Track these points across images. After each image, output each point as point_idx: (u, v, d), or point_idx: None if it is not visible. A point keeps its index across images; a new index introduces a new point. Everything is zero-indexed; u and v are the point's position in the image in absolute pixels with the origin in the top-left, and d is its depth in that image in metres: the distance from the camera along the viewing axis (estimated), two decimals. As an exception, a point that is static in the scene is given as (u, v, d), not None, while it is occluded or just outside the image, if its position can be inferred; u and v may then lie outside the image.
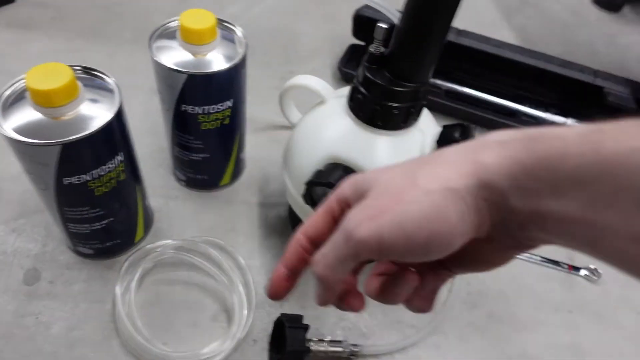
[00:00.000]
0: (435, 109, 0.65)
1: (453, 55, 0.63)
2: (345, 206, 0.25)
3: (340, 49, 0.73)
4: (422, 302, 0.27)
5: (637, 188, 0.18)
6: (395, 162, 0.25)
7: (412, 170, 0.23)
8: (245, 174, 0.57)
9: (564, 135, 0.20)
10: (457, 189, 0.21)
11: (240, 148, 0.52)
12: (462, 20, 0.84)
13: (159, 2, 0.78)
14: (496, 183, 0.20)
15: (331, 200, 0.26)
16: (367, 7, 0.64)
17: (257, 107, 0.62)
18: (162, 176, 0.55)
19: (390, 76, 0.36)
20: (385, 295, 0.26)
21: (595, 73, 0.60)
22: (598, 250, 0.20)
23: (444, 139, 0.38)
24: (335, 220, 0.26)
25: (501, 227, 0.22)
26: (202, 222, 0.51)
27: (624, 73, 0.81)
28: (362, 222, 0.22)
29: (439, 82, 0.66)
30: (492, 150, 0.21)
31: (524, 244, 0.23)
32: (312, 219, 0.27)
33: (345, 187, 0.26)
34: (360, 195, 0.24)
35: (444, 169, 0.22)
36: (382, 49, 0.36)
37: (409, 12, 0.33)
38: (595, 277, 0.51)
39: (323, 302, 0.27)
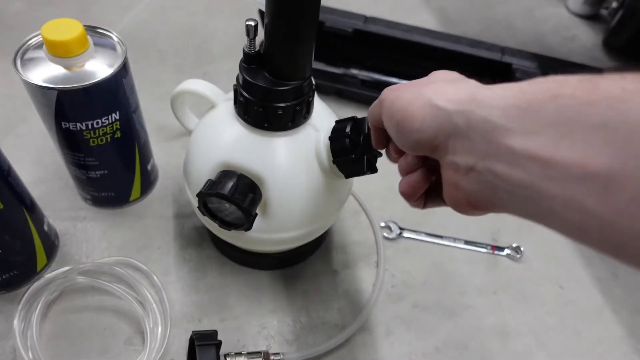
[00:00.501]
0: (353, 99, 0.65)
1: (364, 43, 0.62)
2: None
3: (255, 45, 0.71)
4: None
5: (620, 124, 0.18)
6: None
7: (441, 79, 0.27)
8: (157, 185, 0.54)
9: (565, 79, 0.21)
10: (436, 105, 0.24)
11: (145, 159, 0.50)
12: (381, 6, 0.84)
13: (59, 12, 0.74)
14: (470, 115, 0.23)
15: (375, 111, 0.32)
16: None
17: (168, 114, 0.60)
18: (68, 197, 0.52)
19: (269, 76, 0.35)
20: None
21: (503, 50, 0.61)
22: (538, 199, 0.20)
23: (336, 135, 0.37)
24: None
25: (452, 159, 0.24)
26: (112, 241, 0.49)
27: (541, 46, 0.83)
28: (387, 89, 0.29)
29: (354, 71, 0.65)
30: (491, 90, 0.23)
31: (467, 198, 0.25)
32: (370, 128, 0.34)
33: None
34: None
35: (449, 90, 0.25)
36: (257, 47, 0.35)
37: (270, 6, 0.31)
38: (518, 256, 0.52)
39: (373, 144, 0.34)
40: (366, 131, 0.38)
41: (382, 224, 0.53)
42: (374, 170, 0.38)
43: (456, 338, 0.46)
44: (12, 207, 0.39)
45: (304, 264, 0.49)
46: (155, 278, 0.45)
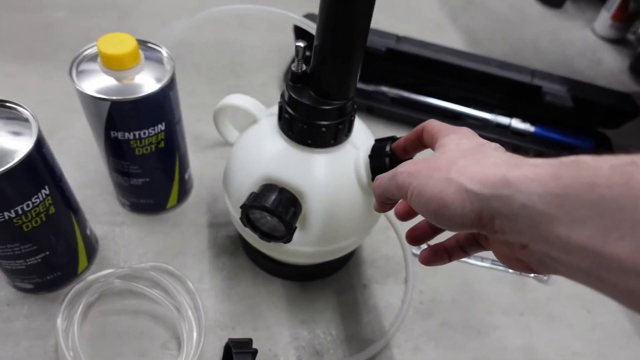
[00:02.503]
0: (383, 116, 0.66)
1: (396, 61, 0.63)
2: (425, 133, 0.34)
3: (286, 59, 0.73)
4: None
5: None
6: (470, 135, 0.30)
7: (461, 155, 0.27)
8: (192, 194, 0.56)
9: (597, 165, 0.21)
10: (471, 190, 0.24)
11: (183, 169, 0.51)
12: (408, 23, 0.86)
13: (98, 21, 0.77)
14: (510, 201, 0.23)
15: (423, 125, 0.34)
16: (307, 16, 0.64)
17: (204, 125, 0.62)
18: (108, 202, 0.54)
19: (314, 94, 0.36)
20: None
21: (533, 73, 0.62)
22: (599, 282, 0.21)
23: (375, 153, 0.38)
24: (419, 138, 0.35)
25: (503, 238, 0.24)
26: (149, 247, 0.50)
27: (567, 69, 0.84)
28: (403, 172, 0.29)
29: (384, 89, 0.66)
30: (521, 170, 0.23)
31: (524, 263, 0.25)
32: (408, 135, 0.36)
33: (434, 125, 0.33)
34: (432, 141, 0.32)
35: (476, 170, 0.25)
36: (304, 67, 0.36)
37: (321, 29, 0.33)
38: (545, 278, 0.52)
39: (375, 209, 0.35)
40: (405, 150, 0.39)
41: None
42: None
43: (483, 358, 0.46)
44: (61, 211, 0.41)
45: (334, 276, 0.50)
46: (190, 284, 0.47)
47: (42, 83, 0.66)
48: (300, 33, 0.67)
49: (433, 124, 0.33)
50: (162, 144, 0.45)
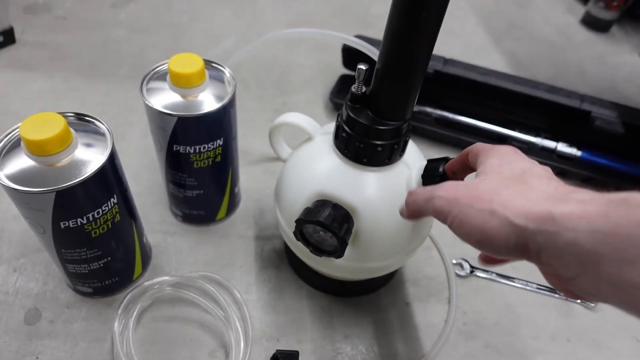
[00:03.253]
0: (427, 136, 0.67)
1: (441, 83, 0.64)
2: (470, 156, 0.33)
3: (332, 79, 0.75)
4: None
5: None
6: (512, 159, 0.30)
7: (504, 185, 0.27)
8: (240, 207, 0.58)
9: None
10: (516, 224, 0.24)
11: (234, 182, 0.53)
12: (452, 45, 0.87)
13: (154, 39, 0.81)
14: (556, 237, 0.23)
15: (469, 148, 0.34)
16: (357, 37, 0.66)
17: (251, 140, 0.64)
18: (160, 212, 0.56)
19: (372, 115, 0.37)
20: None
21: (582, 98, 0.61)
22: None
23: (428, 173, 0.39)
24: (465, 162, 0.35)
25: (548, 270, 0.25)
26: (199, 257, 0.52)
27: (614, 93, 0.82)
28: (442, 197, 0.28)
29: (429, 109, 0.67)
30: (567, 207, 0.23)
31: (572, 291, 0.25)
32: (455, 158, 0.36)
33: (478, 147, 0.33)
34: (475, 163, 0.32)
35: (520, 203, 0.25)
36: (364, 89, 0.37)
37: (385, 53, 0.34)
38: (592, 304, 0.51)
39: (400, 213, 0.35)
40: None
41: (454, 261, 0.54)
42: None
43: (529, 383, 0.45)
44: (125, 219, 0.43)
45: (377, 293, 0.51)
46: (238, 295, 0.48)
47: (103, 97, 0.70)
48: (348, 54, 0.69)
49: (478, 147, 0.33)
50: (218, 158, 0.47)
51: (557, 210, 0.23)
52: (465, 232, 0.27)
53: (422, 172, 0.39)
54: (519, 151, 0.31)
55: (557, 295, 0.52)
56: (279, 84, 0.76)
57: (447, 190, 0.29)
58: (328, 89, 0.74)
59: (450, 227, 0.28)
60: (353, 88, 0.38)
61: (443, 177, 0.38)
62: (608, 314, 0.51)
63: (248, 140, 0.64)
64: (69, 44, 0.78)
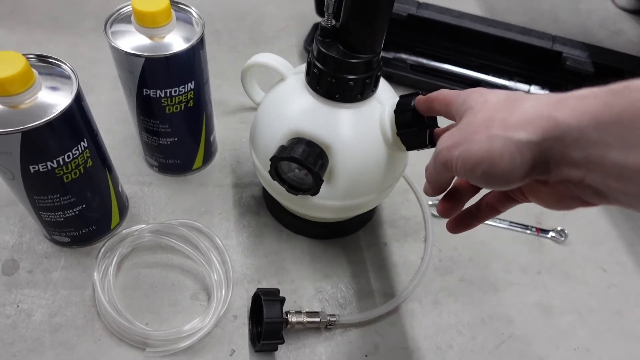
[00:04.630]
0: (402, 83, 0.66)
1: (415, 28, 0.64)
2: (437, 103, 0.34)
3: (305, 28, 0.73)
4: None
5: None
6: (490, 90, 0.29)
7: (495, 110, 0.26)
8: (217, 156, 0.57)
9: None
10: (519, 140, 0.23)
11: (209, 130, 0.53)
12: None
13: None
14: (562, 138, 0.22)
15: (432, 97, 0.35)
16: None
17: (225, 90, 0.63)
18: (135, 163, 0.56)
19: (343, 49, 0.37)
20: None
21: (554, 39, 0.62)
22: None
23: (400, 108, 0.39)
24: (429, 110, 0.35)
25: (558, 177, 0.24)
26: (177, 205, 0.52)
27: (587, 39, 0.83)
28: (443, 149, 0.28)
29: (403, 55, 0.67)
30: (567, 107, 0.22)
31: (581, 199, 0.25)
32: (420, 101, 0.36)
33: (445, 93, 0.33)
34: (460, 112, 0.30)
35: (517, 117, 0.24)
36: (333, 22, 0.37)
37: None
38: (562, 238, 0.53)
39: (426, 192, 0.34)
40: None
41: (430, 202, 0.55)
42: (434, 144, 0.39)
43: (501, 312, 0.48)
44: (97, 166, 0.42)
45: (356, 235, 0.52)
46: (218, 240, 0.48)
47: (69, 50, 0.67)
48: (321, 1, 0.67)
49: (444, 93, 0.33)
50: (191, 103, 0.46)
51: (558, 113, 0.22)
52: (470, 167, 0.25)
53: (394, 108, 0.40)
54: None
55: (528, 232, 0.54)
56: (251, 35, 0.74)
57: (444, 141, 0.28)
58: (302, 37, 0.73)
59: (457, 170, 0.27)
60: (322, 21, 0.37)
61: (414, 112, 0.38)
62: (577, 247, 0.53)
63: (222, 90, 0.63)
64: (29, -3, 0.75)
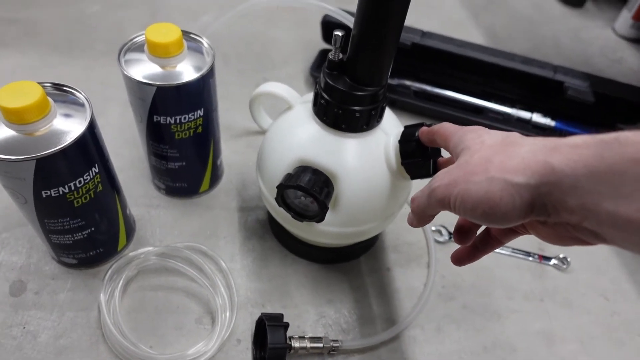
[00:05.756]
0: (406, 109, 0.68)
1: (420, 56, 0.65)
2: (438, 137, 0.35)
3: (312, 54, 0.75)
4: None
5: None
6: (486, 131, 0.30)
7: (493, 152, 0.27)
8: (223, 180, 0.58)
9: (637, 141, 0.22)
10: (517, 183, 0.25)
11: (216, 155, 0.54)
12: (431, 20, 0.87)
13: (131, 14, 0.80)
14: (558, 185, 0.23)
15: (435, 130, 0.35)
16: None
17: (232, 114, 0.64)
18: (143, 185, 0.57)
19: (349, 81, 0.38)
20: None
21: (555, 68, 0.63)
22: None
23: (405, 138, 0.40)
24: (431, 142, 0.36)
25: (556, 220, 0.25)
26: (183, 228, 0.53)
27: (588, 67, 0.84)
28: (440, 186, 0.29)
29: (407, 82, 0.68)
30: (562, 154, 0.24)
31: (579, 239, 0.26)
32: (423, 133, 0.37)
33: (446, 127, 0.34)
34: (457, 150, 0.31)
35: (515, 162, 0.25)
36: (340, 55, 0.38)
37: (359, 20, 0.35)
38: (564, 266, 0.54)
39: (411, 224, 0.35)
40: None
41: (433, 228, 0.55)
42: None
43: (503, 340, 0.48)
44: (107, 190, 0.43)
45: (359, 260, 0.52)
46: (223, 264, 0.49)
47: (80, 74, 0.69)
48: (327, 28, 0.69)
49: (445, 128, 0.34)
50: (199, 129, 0.47)
51: (554, 160, 0.23)
52: (470, 207, 0.26)
53: (399, 137, 0.40)
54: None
55: (531, 259, 0.54)
56: (259, 59, 0.76)
57: (441, 178, 0.29)
58: (308, 63, 0.74)
59: (455, 209, 0.28)
60: (330, 55, 0.38)
61: (418, 142, 0.39)
62: (579, 275, 0.54)
63: (230, 114, 0.64)
64: (43, 20, 0.77)
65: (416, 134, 0.39)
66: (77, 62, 0.70)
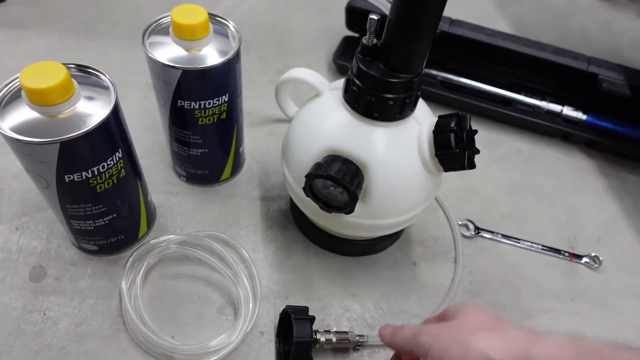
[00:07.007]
0: (431, 99, 0.66)
1: (447, 45, 0.63)
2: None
3: (334, 41, 0.73)
4: None
5: None
6: (482, 309, 0.31)
7: (483, 325, 0.29)
8: (245, 168, 0.57)
9: (612, 350, 0.24)
10: (493, 359, 0.26)
11: (239, 142, 0.52)
12: (456, 9, 0.84)
13: (153, -1, 0.78)
14: None
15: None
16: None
17: (253, 102, 0.63)
18: (163, 172, 0.56)
19: (383, 67, 0.36)
20: None
21: (589, 60, 0.61)
22: None
23: (440, 129, 0.38)
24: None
25: None
26: (204, 216, 0.52)
27: (618, 59, 0.81)
28: (429, 333, 0.30)
29: (434, 72, 0.66)
30: (544, 347, 0.25)
31: None
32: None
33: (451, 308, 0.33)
34: (454, 313, 0.32)
35: (498, 340, 0.27)
36: (375, 41, 0.36)
37: (398, 2, 0.33)
38: (596, 265, 0.52)
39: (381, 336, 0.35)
40: (469, 127, 0.39)
41: (460, 222, 0.54)
42: (472, 166, 0.39)
43: (533, 339, 0.46)
44: (130, 176, 0.42)
45: (384, 253, 0.51)
46: (245, 253, 0.48)
47: (99, 57, 0.68)
48: (352, 15, 0.67)
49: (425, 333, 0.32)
50: (223, 115, 0.46)
51: (534, 350, 0.25)
52: None
53: (432, 128, 0.39)
54: None
55: (561, 256, 0.52)
56: (280, 46, 0.74)
57: (432, 327, 0.31)
58: (331, 51, 0.72)
59: (425, 357, 0.29)
60: (364, 40, 0.37)
61: (456, 133, 0.37)
62: (612, 275, 0.52)
63: (251, 101, 0.63)
64: (62, 2, 0.75)
65: (452, 124, 0.38)
66: (95, 46, 0.69)
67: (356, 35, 0.71)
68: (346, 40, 0.72)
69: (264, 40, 0.74)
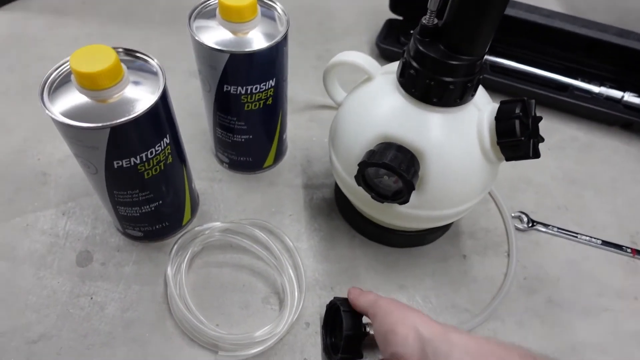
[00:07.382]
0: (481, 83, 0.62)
1: (499, 26, 0.60)
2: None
3: (376, 25, 0.71)
4: None
5: None
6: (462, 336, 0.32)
7: (410, 311, 0.34)
8: (287, 155, 0.56)
9: (508, 353, 0.29)
10: (419, 331, 0.32)
11: (283, 128, 0.51)
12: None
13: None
14: (439, 347, 0.30)
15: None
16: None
17: (295, 87, 0.61)
18: (205, 159, 0.55)
19: (444, 49, 0.34)
20: None
21: (657, 41, 0.56)
22: None
23: (504, 116, 0.35)
24: None
25: None
26: (247, 204, 0.51)
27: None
28: (383, 304, 0.36)
29: (484, 55, 0.63)
30: (459, 336, 0.30)
31: None
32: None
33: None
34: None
35: (425, 321, 0.33)
36: (436, 21, 0.34)
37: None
38: (658, 260, 0.49)
39: (349, 295, 0.40)
40: (534, 114, 0.36)
41: (513, 214, 0.51)
42: (537, 155, 0.36)
43: (594, 340, 0.43)
44: (176, 163, 0.42)
45: (433, 245, 0.49)
46: (289, 242, 0.47)
47: (139, 43, 0.67)
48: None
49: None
50: (270, 101, 0.45)
51: (452, 333, 0.31)
52: (383, 323, 0.34)
53: (494, 114, 0.36)
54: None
55: (623, 253, 0.49)
56: (321, 30, 0.72)
57: (388, 300, 0.36)
58: (373, 34, 0.70)
59: (377, 319, 0.35)
60: (424, 20, 0.34)
61: (521, 120, 0.35)
62: (677, 272, 0.48)
63: (291, 87, 0.61)
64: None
65: (517, 110, 0.35)
66: (134, 33, 0.69)
67: (400, 18, 0.68)
68: (389, 24, 0.69)
69: (303, 24, 0.72)
